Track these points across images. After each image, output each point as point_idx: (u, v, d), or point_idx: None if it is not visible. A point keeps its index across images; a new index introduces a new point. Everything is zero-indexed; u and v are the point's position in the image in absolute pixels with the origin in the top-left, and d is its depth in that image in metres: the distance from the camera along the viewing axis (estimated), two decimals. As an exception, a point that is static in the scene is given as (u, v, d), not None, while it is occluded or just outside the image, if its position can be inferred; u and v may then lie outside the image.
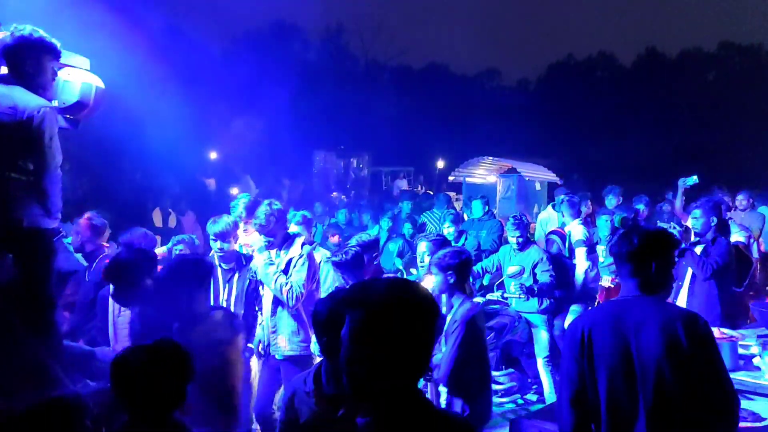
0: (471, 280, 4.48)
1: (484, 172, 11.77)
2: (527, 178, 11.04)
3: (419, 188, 18.58)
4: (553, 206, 8.63)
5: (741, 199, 8.60)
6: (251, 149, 15.67)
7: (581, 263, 6.29)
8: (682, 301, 5.06)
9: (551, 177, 11.64)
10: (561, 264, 6.20)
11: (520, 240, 6.01)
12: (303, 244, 4.36)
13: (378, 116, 25.88)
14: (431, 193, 15.26)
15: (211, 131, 15.52)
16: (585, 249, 6.35)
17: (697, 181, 7.36)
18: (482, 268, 6.28)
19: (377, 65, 36.02)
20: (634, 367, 2.41)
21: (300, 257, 4.24)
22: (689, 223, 5.44)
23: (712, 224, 5.01)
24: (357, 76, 32.16)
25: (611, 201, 8.46)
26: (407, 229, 8.06)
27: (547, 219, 8.64)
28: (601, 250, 6.48)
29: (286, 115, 18.23)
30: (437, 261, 3.66)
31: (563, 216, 6.84)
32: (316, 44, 35.16)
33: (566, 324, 6.09)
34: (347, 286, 3.62)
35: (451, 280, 3.62)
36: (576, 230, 6.45)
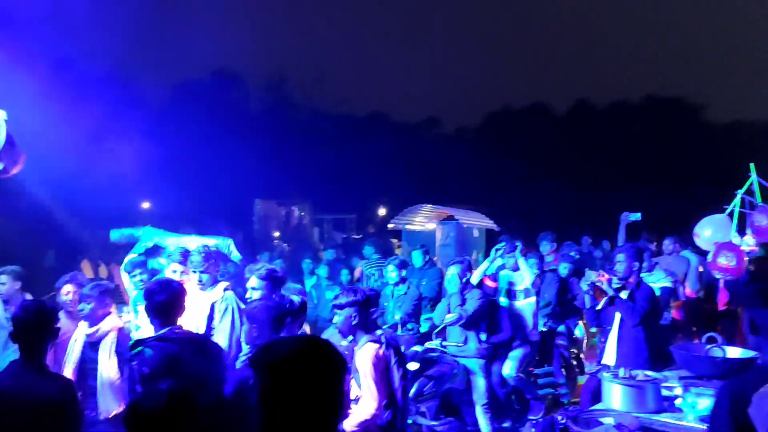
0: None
1: (423, 220, 11.95)
2: (465, 225, 11.25)
3: (357, 235, 18.68)
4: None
5: (667, 244, 8.99)
6: (190, 198, 15.44)
7: (529, 309, 6.41)
8: (611, 345, 5.19)
9: (489, 224, 11.91)
10: (496, 309, 6.30)
11: (458, 283, 6.10)
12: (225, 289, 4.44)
13: (320, 164, 26.01)
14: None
15: (145, 181, 15.24)
16: (534, 298, 6.49)
17: (639, 218, 7.65)
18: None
19: (319, 113, 36.34)
20: None
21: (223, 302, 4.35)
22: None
23: (635, 269, 5.19)
24: (299, 124, 32.29)
25: (545, 247, 8.71)
26: (344, 276, 8.08)
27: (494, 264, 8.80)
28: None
29: (227, 163, 18.13)
30: (337, 302, 3.74)
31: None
32: (257, 93, 35.35)
33: (505, 371, 6.18)
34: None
35: (354, 321, 3.67)
36: (520, 278, 6.58)
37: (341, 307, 3.69)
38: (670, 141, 35.38)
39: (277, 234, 19.15)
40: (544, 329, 6.96)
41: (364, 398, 3.50)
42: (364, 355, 3.54)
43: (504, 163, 34.64)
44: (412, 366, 5.57)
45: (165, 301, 3.42)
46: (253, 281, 4.42)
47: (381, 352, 3.56)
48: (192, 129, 18.96)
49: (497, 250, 6.59)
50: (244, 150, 19.84)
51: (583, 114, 41.60)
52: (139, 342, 3.40)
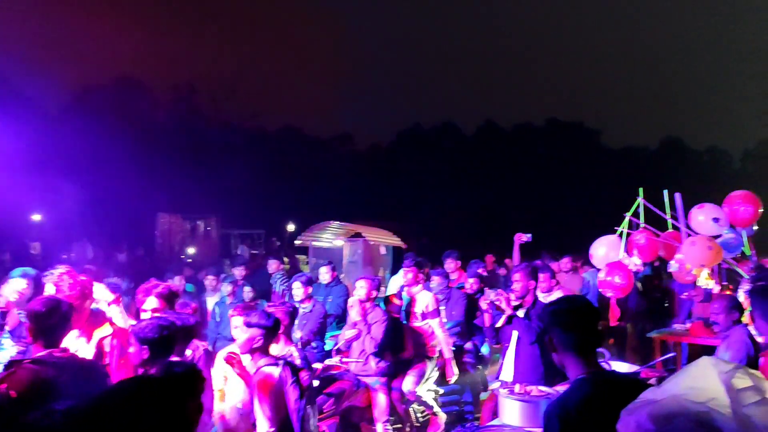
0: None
1: (331, 236, 11.91)
2: (372, 243, 11.33)
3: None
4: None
5: (565, 263, 9.39)
6: (87, 210, 14.68)
7: (438, 328, 6.46)
8: (509, 362, 5.32)
9: (396, 241, 12.03)
10: (399, 327, 6.33)
11: (365, 300, 6.10)
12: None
13: (229, 177, 25.45)
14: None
15: (41, 193, 14.39)
16: (438, 318, 6.55)
17: (530, 239, 7.96)
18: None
19: (230, 126, 35.63)
20: None
21: None
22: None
23: (531, 288, 5.36)
24: (208, 136, 31.51)
25: (450, 265, 8.86)
26: (246, 293, 7.92)
27: (399, 282, 8.85)
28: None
29: (129, 174, 17.39)
30: (248, 319, 3.71)
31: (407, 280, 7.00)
32: (164, 103, 34.25)
33: (405, 387, 6.21)
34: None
35: (257, 344, 3.65)
36: (425, 297, 6.63)
37: (250, 325, 3.68)
38: (571, 163, 37.21)
39: (192, 250, 18.54)
40: (451, 347, 7.04)
41: (258, 421, 3.45)
42: (259, 378, 3.50)
43: (413, 181, 35.22)
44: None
45: (50, 321, 3.20)
46: (150, 300, 4.24)
47: (277, 374, 3.53)
48: (92, 138, 18.07)
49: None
50: (148, 161, 19.14)
51: (491, 134, 43.07)
52: (13, 363, 3.16)
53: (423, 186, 35.23)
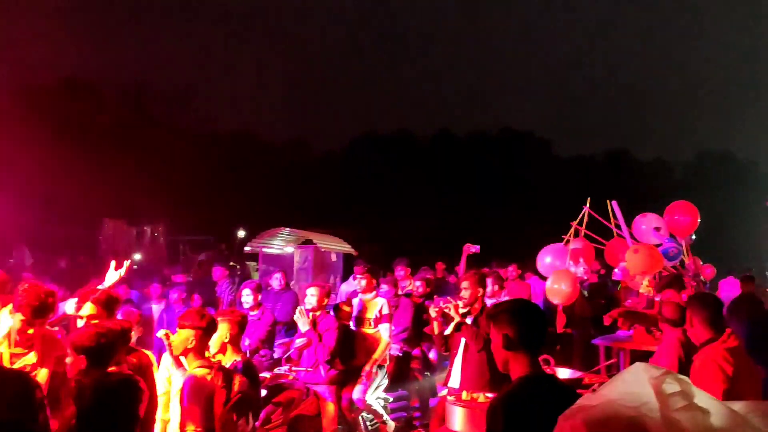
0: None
1: (281, 243, 11.79)
2: (323, 249, 11.27)
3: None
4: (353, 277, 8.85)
5: (511, 270, 9.53)
6: (27, 215, 14.16)
7: (385, 337, 6.45)
8: (456, 369, 5.35)
9: (347, 248, 11.99)
10: (349, 335, 6.30)
11: (315, 308, 6.05)
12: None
13: (179, 182, 24.96)
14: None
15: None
16: (388, 325, 6.54)
17: (479, 250, 8.07)
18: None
19: (180, 130, 34.97)
20: None
21: None
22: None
23: (479, 295, 5.41)
24: (157, 141, 30.82)
25: (400, 272, 8.87)
26: (195, 300, 7.76)
27: (350, 289, 8.81)
28: None
29: (71, 178, 16.85)
30: (180, 321, 3.70)
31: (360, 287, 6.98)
32: (111, 106, 33.30)
33: (354, 395, 6.18)
34: None
35: (191, 344, 3.62)
36: (377, 303, 6.61)
37: (182, 326, 3.66)
38: (523, 172, 37.87)
39: (138, 256, 18.04)
40: (399, 354, 7.05)
41: (186, 424, 3.43)
42: (189, 381, 3.51)
43: (366, 188, 35.27)
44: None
45: None
46: (87, 306, 4.11)
47: (209, 378, 3.50)
48: (33, 139, 17.44)
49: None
50: (92, 164, 18.58)
51: (445, 142, 43.48)
52: None
53: (376, 193, 35.31)
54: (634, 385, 1.30)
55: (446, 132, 44.94)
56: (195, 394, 3.47)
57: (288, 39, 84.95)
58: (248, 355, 6.42)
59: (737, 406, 1.22)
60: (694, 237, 7.43)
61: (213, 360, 3.84)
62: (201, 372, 3.54)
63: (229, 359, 4.22)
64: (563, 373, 4.74)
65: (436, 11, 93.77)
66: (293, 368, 5.93)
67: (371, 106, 70.67)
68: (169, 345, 3.92)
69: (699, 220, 7.23)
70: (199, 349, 3.64)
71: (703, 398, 1.20)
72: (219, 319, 4.16)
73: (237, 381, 3.65)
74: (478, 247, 8.04)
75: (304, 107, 66.73)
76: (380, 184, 36.07)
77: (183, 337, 3.62)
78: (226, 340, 4.25)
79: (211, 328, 3.78)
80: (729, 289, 11.24)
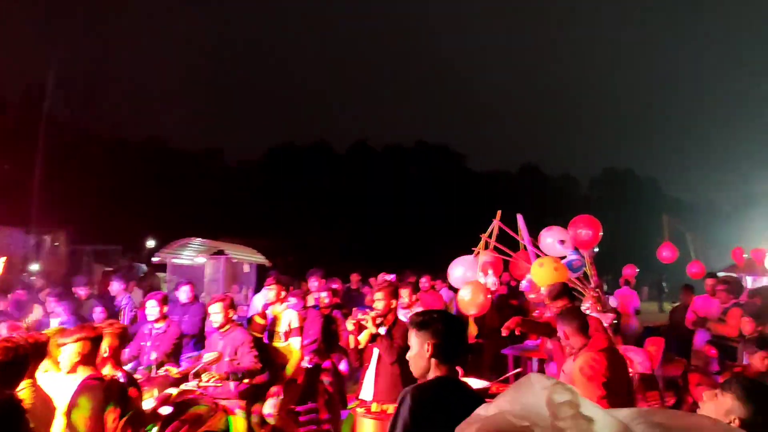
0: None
1: (192, 253, 11.44)
2: (235, 260, 11.03)
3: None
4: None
5: (424, 281, 9.66)
6: None
7: (296, 349, 6.35)
8: (369, 381, 5.33)
9: (260, 259, 11.78)
10: (261, 348, 6.17)
11: (222, 321, 5.88)
12: None
13: (83, 189, 23.74)
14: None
15: None
16: (299, 337, 6.45)
17: (394, 280, 8.18)
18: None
19: (87, 135, 33.35)
20: None
21: None
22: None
23: (392, 306, 5.43)
24: (60, 145, 29.22)
25: (314, 283, 8.80)
26: (98, 313, 7.40)
27: (263, 301, 8.65)
28: None
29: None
30: (61, 339, 3.62)
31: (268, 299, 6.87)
32: (13, 107, 31.33)
33: (265, 410, 6.04)
34: None
35: (78, 358, 3.54)
36: (288, 316, 6.51)
37: (64, 343, 3.57)
38: (438, 185, 38.54)
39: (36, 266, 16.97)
40: (309, 366, 6.97)
41: None
42: (77, 394, 3.41)
43: (283, 198, 34.87)
44: (165, 410, 5.20)
45: None
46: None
47: (98, 390, 3.35)
48: None
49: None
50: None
51: (362, 154, 43.70)
52: None
53: (293, 203, 34.97)
54: (527, 395, 1.32)
55: (363, 144, 45.22)
56: (83, 408, 3.30)
57: (204, 46, 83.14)
58: (154, 369, 6.18)
59: (622, 414, 1.27)
60: (596, 250, 7.77)
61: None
62: (89, 384, 3.42)
63: (109, 374, 4.03)
64: (471, 382, 4.81)
65: (353, 22, 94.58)
66: (201, 383, 5.72)
67: (289, 116, 70.10)
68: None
69: (601, 234, 7.55)
70: (86, 361, 3.47)
71: (588, 407, 1.23)
72: (101, 329, 4.01)
73: (130, 395, 3.50)
74: (393, 276, 8.18)
75: (221, 116, 65.33)
76: (297, 195, 35.77)
77: (69, 350, 3.44)
78: (106, 354, 4.07)
79: (97, 341, 3.64)
80: (628, 300, 11.92)
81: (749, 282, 12.77)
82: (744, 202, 45.08)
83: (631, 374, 5.65)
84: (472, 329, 9.28)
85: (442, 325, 2.74)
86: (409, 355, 2.82)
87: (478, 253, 7.63)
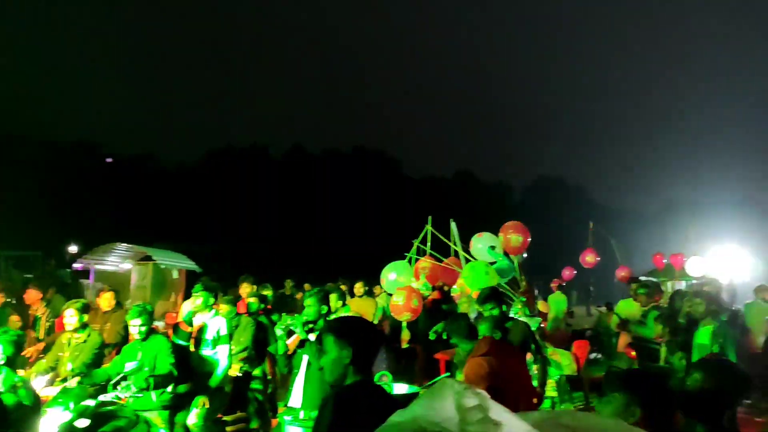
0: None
1: (117, 259, 11.03)
2: (163, 266, 10.68)
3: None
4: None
5: (359, 287, 9.64)
6: None
7: (224, 358, 6.18)
8: (298, 388, 5.25)
9: (190, 265, 11.47)
10: (185, 356, 5.99)
11: (143, 329, 5.67)
12: None
13: (1, 193, 22.56)
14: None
15: None
16: (228, 345, 6.29)
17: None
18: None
19: (10, 137, 31.79)
20: None
21: None
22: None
23: (323, 312, 5.37)
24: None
25: (245, 289, 8.64)
26: (14, 322, 7.02)
27: (190, 308, 8.41)
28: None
29: None
30: None
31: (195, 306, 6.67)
32: None
33: (190, 420, 5.86)
34: None
35: None
36: (216, 323, 6.34)
37: None
38: (374, 190, 38.67)
39: None
40: (239, 374, 6.82)
41: None
42: None
43: (219, 203, 34.21)
44: (82, 423, 4.96)
45: None
46: None
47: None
48: None
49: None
50: None
51: (299, 158, 43.42)
52: None
53: (229, 208, 34.34)
54: (440, 401, 1.31)
55: (300, 148, 44.95)
56: None
57: (139, 48, 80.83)
58: (72, 380, 5.89)
59: (532, 417, 1.27)
60: (525, 255, 7.93)
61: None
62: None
63: (6, 381, 3.85)
64: (400, 388, 4.82)
65: (288, 28, 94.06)
66: (120, 394, 5.49)
67: (224, 120, 68.96)
68: None
69: (530, 239, 7.71)
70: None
71: (497, 411, 1.23)
72: None
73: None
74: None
75: (155, 120, 63.65)
76: (233, 199, 35.16)
77: None
78: (2, 362, 3.89)
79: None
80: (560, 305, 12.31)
81: (669, 286, 13.34)
82: (665, 209, 47.36)
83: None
84: (405, 334, 9.32)
85: (360, 332, 2.76)
86: (324, 361, 2.80)
87: (411, 258, 7.65)
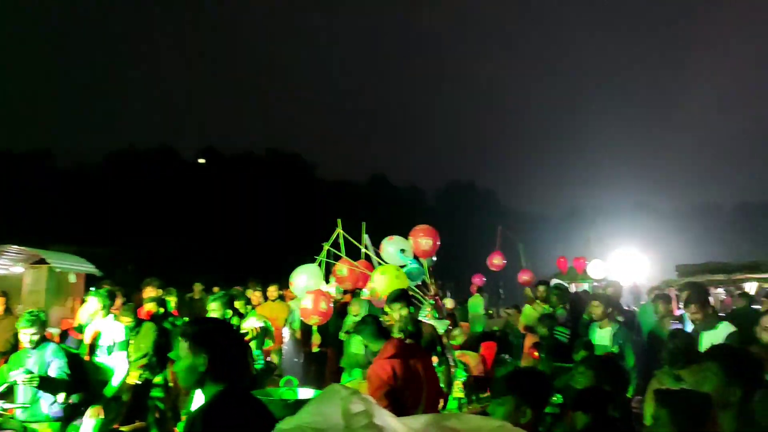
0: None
1: (8, 262, 10.33)
2: (59, 270, 10.10)
3: None
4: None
5: (272, 291, 9.53)
6: None
7: (122, 365, 5.90)
8: (200, 395, 5.09)
9: (89, 268, 10.90)
10: (78, 363, 5.67)
11: (35, 338, 5.33)
12: None
13: None
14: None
15: None
16: (125, 351, 6.02)
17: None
18: None
19: None
20: None
21: None
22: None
23: (227, 316, 5.25)
24: None
25: (149, 293, 8.33)
26: None
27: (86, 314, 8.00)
28: None
29: None
30: None
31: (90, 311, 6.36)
32: None
33: (83, 430, 5.56)
34: None
35: None
36: (113, 329, 6.05)
37: None
38: (287, 193, 38.22)
39: None
40: (138, 382, 6.55)
41: None
42: None
43: (123, 205, 32.84)
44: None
45: None
46: None
47: None
48: None
49: None
50: None
51: (211, 161, 42.33)
52: None
53: (134, 210, 33.00)
54: (327, 406, 1.28)
55: (212, 150, 43.85)
56: None
57: (36, 42, 76.49)
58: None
59: (419, 421, 1.26)
60: (435, 258, 8.02)
61: None
62: None
63: None
64: (305, 393, 4.75)
65: (202, 27, 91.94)
66: (5, 405, 5.13)
67: (130, 120, 66.36)
68: None
69: (439, 243, 7.81)
70: None
71: (383, 417, 1.21)
72: None
73: None
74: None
75: (53, 117, 60.39)
76: (139, 201, 33.80)
77: None
78: None
79: None
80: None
81: (572, 288, 13.92)
82: (570, 214, 49.55)
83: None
84: (316, 338, 9.24)
85: (218, 338, 2.57)
86: (177, 368, 2.59)
87: (321, 261, 7.59)
